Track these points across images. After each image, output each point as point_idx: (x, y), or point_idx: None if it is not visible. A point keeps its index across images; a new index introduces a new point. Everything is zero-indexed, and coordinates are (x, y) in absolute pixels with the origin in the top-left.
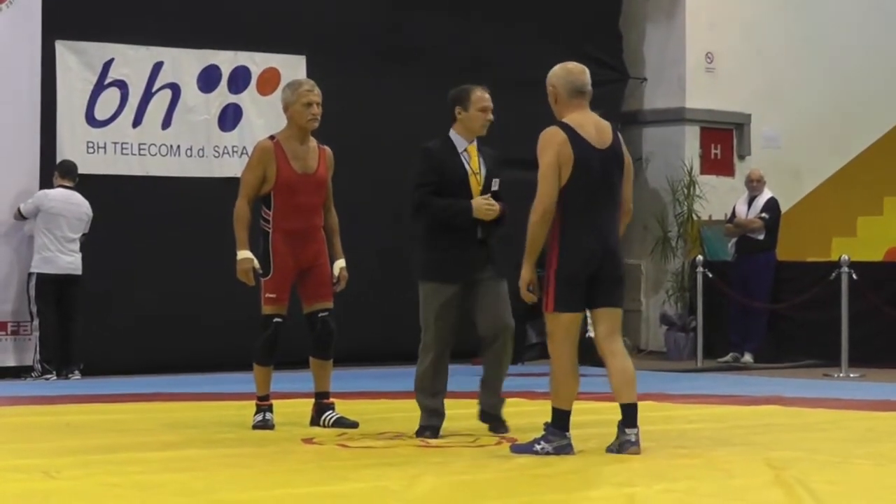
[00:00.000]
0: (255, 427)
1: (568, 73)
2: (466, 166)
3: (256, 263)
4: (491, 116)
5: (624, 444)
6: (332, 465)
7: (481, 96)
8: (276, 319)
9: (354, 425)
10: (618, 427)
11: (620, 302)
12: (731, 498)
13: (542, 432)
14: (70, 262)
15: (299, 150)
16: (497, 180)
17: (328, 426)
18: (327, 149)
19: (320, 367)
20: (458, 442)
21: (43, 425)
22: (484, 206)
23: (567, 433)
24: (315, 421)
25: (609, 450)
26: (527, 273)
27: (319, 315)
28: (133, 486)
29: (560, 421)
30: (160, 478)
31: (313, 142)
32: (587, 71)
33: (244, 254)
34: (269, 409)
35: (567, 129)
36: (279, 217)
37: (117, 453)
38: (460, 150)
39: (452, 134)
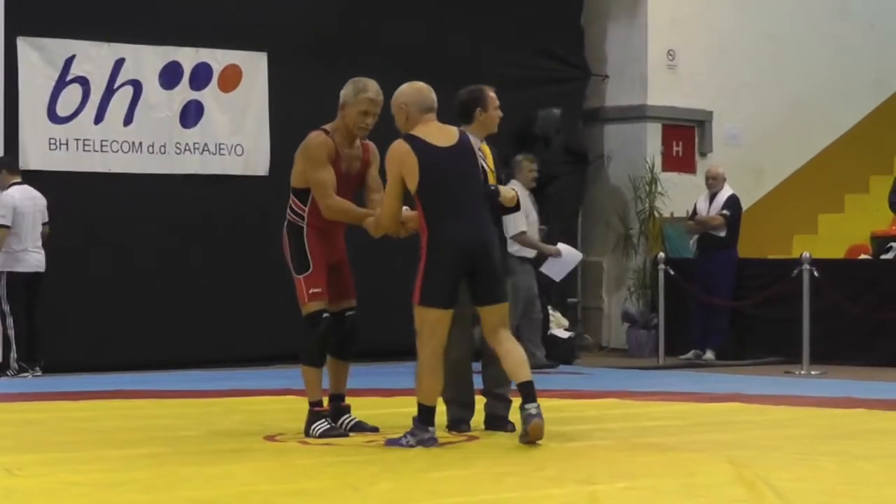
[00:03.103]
0: (322, 436)
1: (418, 92)
2: (483, 164)
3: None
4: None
5: (527, 417)
6: (295, 462)
7: (494, 96)
8: (326, 315)
9: (374, 430)
10: (520, 408)
11: (503, 297)
12: (693, 495)
13: (411, 426)
14: (38, 259)
15: (348, 152)
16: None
17: (346, 429)
18: (370, 143)
19: (340, 367)
20: None
21: (2, 423)
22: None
23: (431, 427)
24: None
25: (521, 439)
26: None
27: (347, 314)
28: (95, 484)
29: (425, 416)
30: (122, 476)
31: (357, 140)
32: (433, 90)
33: (370, 218)
34: (328, 413)
35: (410, 138)
36: (314, 215)
37: (79, 451)
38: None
39: (469, 134)
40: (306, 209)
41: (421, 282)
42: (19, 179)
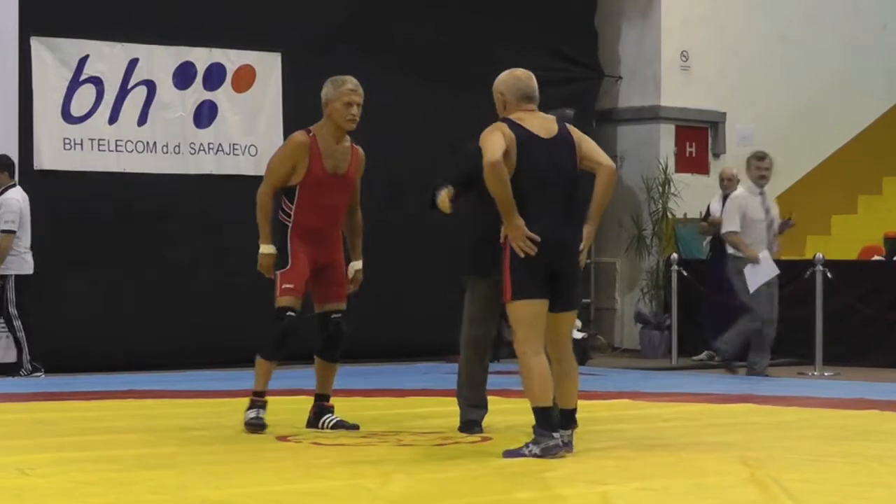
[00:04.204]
0: (248, 423)
1: (516, 79)
2: None
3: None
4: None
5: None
6: (307, 462)
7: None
8: (290, 313)
9: (355, 428)
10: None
11: (577, 304)
12: (705, 496)
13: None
14: (32, 259)
15: (334, 150)
16: None
17: (327, 429)
18: (360, 149)
19: (326, 368)
20: (432, 440)
21: (15, 422)
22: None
23: (556, 433)
24: (313, 423)
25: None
26: (522, 225)
27: (332, 316)
28: (107, 483)
29: (543, 420)
30: (134, 475)
31: (347, 141)
32: (534, 77)
33: (268, 248)
34: (264, 406)
35: (508, 121)
36: (301, 213)
37: (91, 451)
38: None
39: None
40: (293, 207)
41: (510, 277)
42: (14, 182)
